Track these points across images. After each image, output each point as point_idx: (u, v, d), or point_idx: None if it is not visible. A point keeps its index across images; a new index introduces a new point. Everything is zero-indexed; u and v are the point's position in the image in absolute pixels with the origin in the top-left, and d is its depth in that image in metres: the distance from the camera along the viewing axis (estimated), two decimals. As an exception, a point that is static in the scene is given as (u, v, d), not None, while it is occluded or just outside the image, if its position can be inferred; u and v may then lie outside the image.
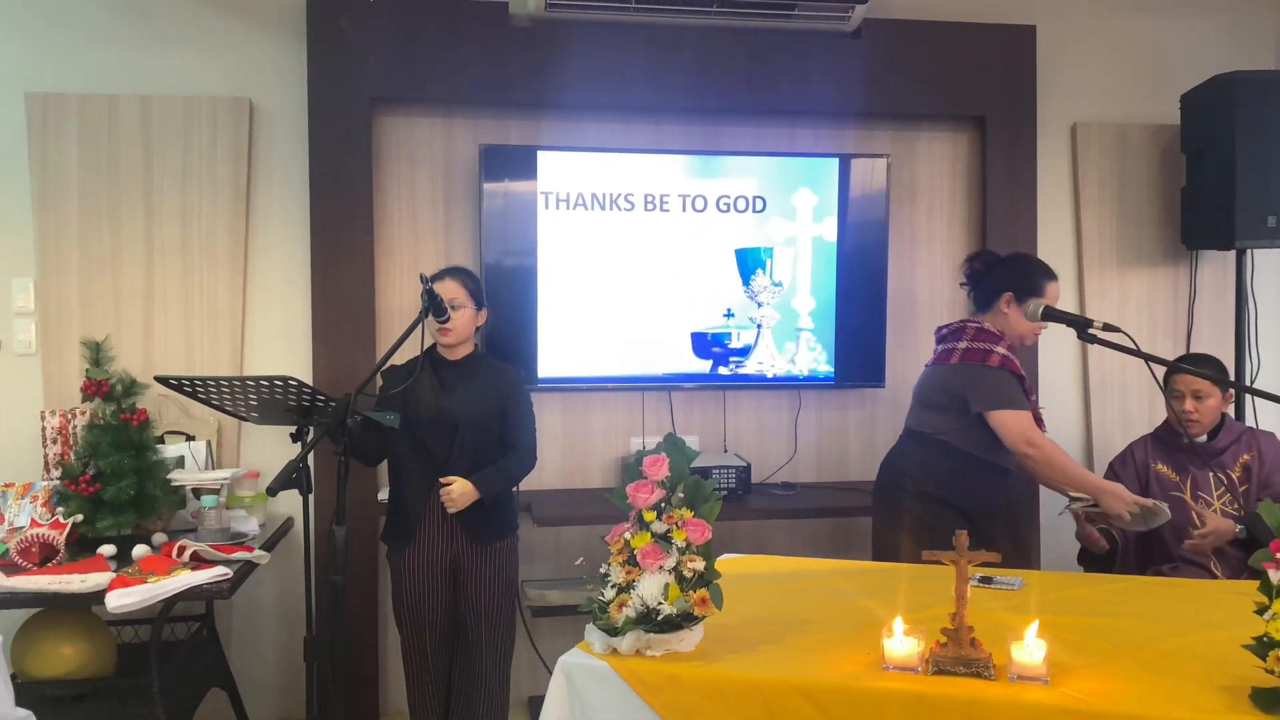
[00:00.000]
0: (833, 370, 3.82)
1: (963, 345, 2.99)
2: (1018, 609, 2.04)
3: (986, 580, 2.39)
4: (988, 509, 3.00)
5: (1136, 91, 4.09)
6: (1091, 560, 3.22)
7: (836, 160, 3.80)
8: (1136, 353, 2.51)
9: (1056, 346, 3.98)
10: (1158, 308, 4.12)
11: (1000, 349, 2.95)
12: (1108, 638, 1.93)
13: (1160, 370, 2.68)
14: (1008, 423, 2.89)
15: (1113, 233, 4.09)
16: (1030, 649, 1.73)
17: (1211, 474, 3.17)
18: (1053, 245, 4.02)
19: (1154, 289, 4.12)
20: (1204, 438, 3.21)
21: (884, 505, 3.16)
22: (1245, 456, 3.20)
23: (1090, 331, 2.57)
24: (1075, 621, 2.02)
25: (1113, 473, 3.33)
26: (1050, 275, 3.02)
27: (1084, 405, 4.10)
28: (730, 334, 3.74)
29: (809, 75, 3.78)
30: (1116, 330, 2.53)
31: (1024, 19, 3.94)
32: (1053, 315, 2.82)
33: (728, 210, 3.73)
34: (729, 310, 3.74)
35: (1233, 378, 3.64)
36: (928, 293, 4.03)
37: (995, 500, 3.05)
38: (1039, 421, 3.01)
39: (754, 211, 3.74)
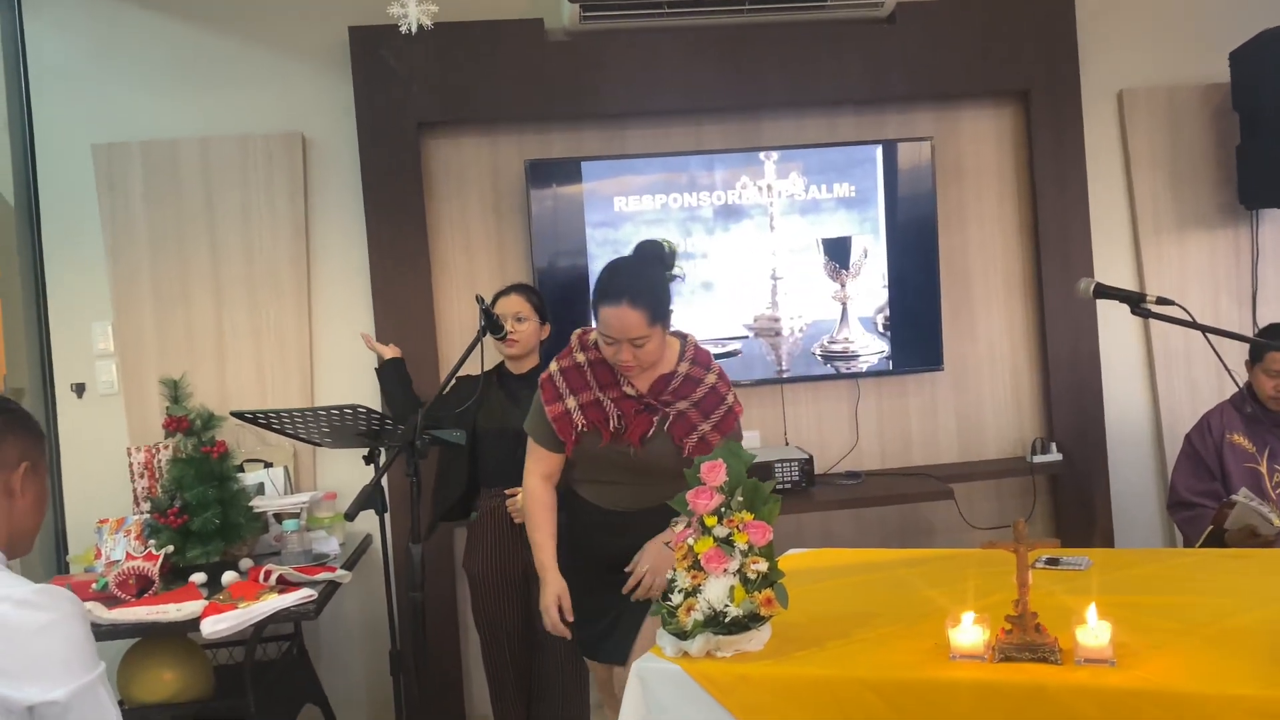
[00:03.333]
0: (890, 356, 3.82)
1: None
2: (1083, 590, 2.04)
3: (1053, 561, 2.39)
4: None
5: (1182, 52, 4.01)
6: None
7: (880, 147, 3.80)
8: (1191, 324, 2.48)
9: (1117, 322, 3.93)
10: (1220, 271, 4.04)
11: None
12: (1175, 616, 1.93)
13: (1220, 340, 2.63)
14: None
15: (1167, 198, 4.02)
16: (1096, 632, 1.74)
17: None
18: (1105, 215, 3.98)
19: (1214, 252, 4.04)
20: None
21: None
22: None
23: (1144, 306, 2.55)
24: (1142, 600, 2.02)
25: (1191, 446, 3.26)
26: (599, 299, 2.40)
27: (1149, 379, 4.04)
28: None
29: (845, 64, 3.79)
30: (1171, 303, 2.50)
31: (1062, -11, 3.90)
32: (1105, 292, 2.79)
33: (773, 204, 3.76)
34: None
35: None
36: (982, 272, 4.01)
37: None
38: None
39: (801, 204, 3.77)
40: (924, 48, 3.81)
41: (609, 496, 2.57)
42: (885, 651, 1.88)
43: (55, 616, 1.64)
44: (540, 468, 2.55)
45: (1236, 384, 3.06)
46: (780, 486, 3.47)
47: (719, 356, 3.74)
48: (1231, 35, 3.81)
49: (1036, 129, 3.91)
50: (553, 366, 2.50)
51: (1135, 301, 2.55)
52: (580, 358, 2.48)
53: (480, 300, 2.89)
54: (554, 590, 2.47)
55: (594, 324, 2.49)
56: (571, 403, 2.45)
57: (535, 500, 2.54)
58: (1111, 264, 3.97)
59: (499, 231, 3.82)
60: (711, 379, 2.47)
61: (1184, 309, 2.46)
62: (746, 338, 3.78)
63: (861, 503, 3.70)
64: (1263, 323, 3.89)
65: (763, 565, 1.93)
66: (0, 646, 1.59)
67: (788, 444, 3.90)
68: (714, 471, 1.99)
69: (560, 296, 3.67)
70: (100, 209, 3.62)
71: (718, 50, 3.74)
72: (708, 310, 3.76)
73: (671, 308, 2.47)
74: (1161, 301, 2.49)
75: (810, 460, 3.65)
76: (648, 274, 2.44)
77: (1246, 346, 3.23)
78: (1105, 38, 3.97)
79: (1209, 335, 2.51)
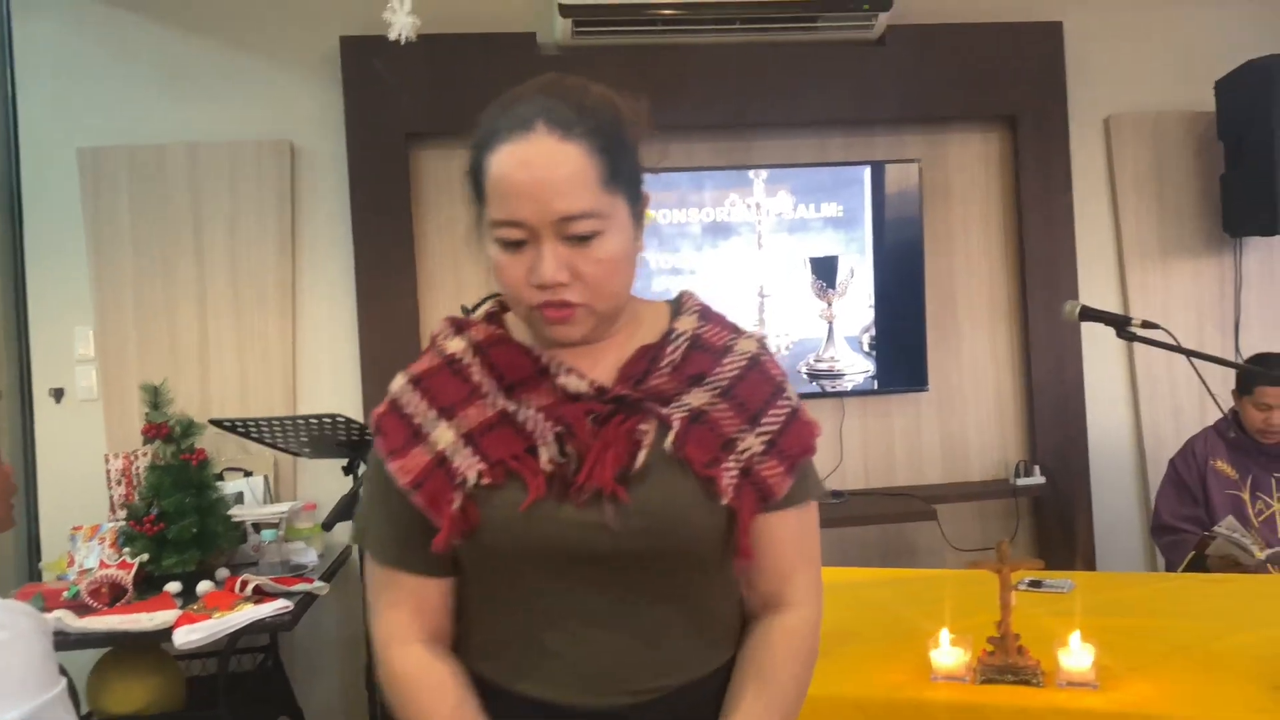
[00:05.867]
0: (875, 376, 3.82)
1: None
2: (1065, 613, 2.03)
3: (1036, 584, 2.38)
4: None
5: (1169, 80, 4.05)
6: None
7: (868, 168, 3.82)
8: (1177, 349, 2.48)
9: (1100, 345, 3.95)
10: (1204, 298, 4.07)
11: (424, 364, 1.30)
12: (1158, 639, 1.92)
13: (1203, 367, 2.63)
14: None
15: (1152, 225, 4.04)
16: (1078, 654, 1.74)
17: (1274, 477, 3.11)
18: (1091, 241, 4.00)
19: (1199, 279, 4.06)
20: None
21: None
22: None
23: (1130, 329, 2.55)
24: (1125, 623, 2.02)
25: (1175, 471, 3.27)
26: (487, 138, 1.18)
27: (1133, 404, 4.05)
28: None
29: (836, 85, 3.81)
30: (1156, 327, 2.51)
31: (1050, 16, 3.93)
32: (1090, 315, 2.79)
33: (762, 223, 3.76)
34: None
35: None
36: (967, 294, 4.02)
37: None
38: None
39: (789, 223, 3.77)
40: (913, 71, 3.83)
41: (571, 664, 1.16)
42: (867, 670, 1.86)
43: (12, 634, 1.60)
44: (410, 622, 1.20)
45: (1221, 410, 3.07)
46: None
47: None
48: (1216, 64, 3.85)
49: (1023, 154, 3.93)
50: (396, 385, 1.27)
51: (1121, 325, 2.55)
52: (453, 346, 1.26)
53: (466, 311, 2.84)
54: None
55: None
56: (445, 435, 1.19)
57: (424, 679, 1.18)
58: (1096, 289, 3.99)
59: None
60: (750, 346, 1.28)
61: (1169, 333, 2.46)
62: (732, 355, 3.76)
63: (844, 522, 3.69)
64: (1246, 351, 3.91)
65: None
66: None
67: (772, 463, 3.88)
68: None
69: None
70: (84, 213, 3.59)
71: (709, 69, 3.75)
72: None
73: (644, 188, 1.24)
74: (1147, 325, 2.49)
75: (794, 479, 3.63)
76: (593, 93, 1.19)
77: (1231, 372, 3.24)
78: (1093, 64, 4.00)
79: (1193, 360, 2.52)
